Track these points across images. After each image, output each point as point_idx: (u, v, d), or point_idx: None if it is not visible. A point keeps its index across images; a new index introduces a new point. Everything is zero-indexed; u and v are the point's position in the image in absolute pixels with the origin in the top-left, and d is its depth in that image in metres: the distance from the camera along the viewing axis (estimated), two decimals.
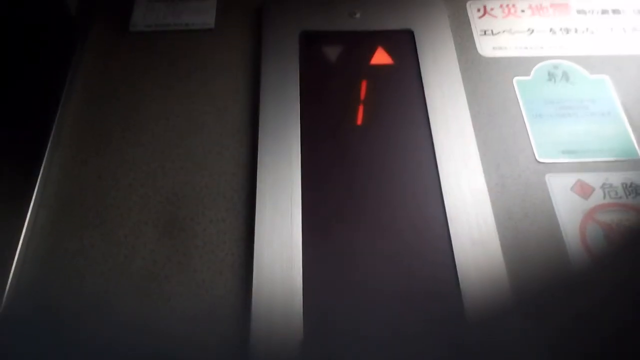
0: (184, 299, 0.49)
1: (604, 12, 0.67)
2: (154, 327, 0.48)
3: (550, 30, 0.65)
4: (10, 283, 0.49)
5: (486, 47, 0.64)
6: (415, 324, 0.47)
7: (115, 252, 0.51)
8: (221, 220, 0.52)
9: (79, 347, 0.48)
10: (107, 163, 0.56)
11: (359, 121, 0.58)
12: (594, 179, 0.54)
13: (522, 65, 0.62)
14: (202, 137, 0.57)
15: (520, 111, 0.59)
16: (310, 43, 0.63)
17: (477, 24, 0.66)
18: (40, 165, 0.55)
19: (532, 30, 0.65)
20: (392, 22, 0.65)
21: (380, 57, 0.62)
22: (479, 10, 0.67)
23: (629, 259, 0.50)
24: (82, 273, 0.50)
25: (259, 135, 0.56)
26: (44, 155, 0.55)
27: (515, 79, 0.61)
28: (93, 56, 0.63)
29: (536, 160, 0.55)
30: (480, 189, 0.54)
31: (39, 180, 0.54)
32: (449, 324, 0.48)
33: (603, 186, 0.54)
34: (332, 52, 0.63)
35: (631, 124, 0.58)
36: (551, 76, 0.61)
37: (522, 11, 0.67)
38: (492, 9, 0.67)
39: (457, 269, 0.49)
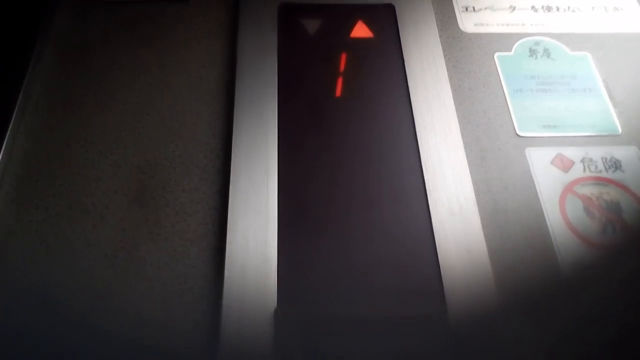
0: (154, 268, 0.47)
1: None
2: (124, 296, 0.46)
3: (532, 7, 0.65)
4: None
5: (468, 23, 0.63)
6: (391, 297, 0.46)
7: (83, 221, 0.49)
8: (194, 189, 0.51)
9: (45, 319, 0.45)
10: (76, 130, 0.54)
11: (338, 93, 0.57)
12: (574, 153, 0.54)
13: (504, 41, 0.62)
14: (176, 105, 0.55)
15: (501, 86, 0.58)
16: (289, 15, 0.62)
17: (459, 0, 0.65)
18: (6, 132, 0.52)
19: (514, 8, 0.64)
20: None
21: (361, 31, 0.61)
22: None
23: (609, 233, 0.50)
24: (48, 242, 0.48)
25: (235, 105, 0.55)
26: (10, 122, 0.53)
27: (496, 55, 0.60)
28: (65, 24, 0.61)
29: (516, 134, 0.55)
30: (460, 161, 0.53)
31: (3, 147, 0.52)
32: (426, 296, 0.46)
33: (583, 160, 0.53)
34: (312, 25, 0.61)
35: (612, 101, 0.57)
36: (532, 52, 0.61)
37: None
38: None
39: (436, 241, 0.48)
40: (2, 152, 0.51)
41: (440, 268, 0.47)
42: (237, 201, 0.49)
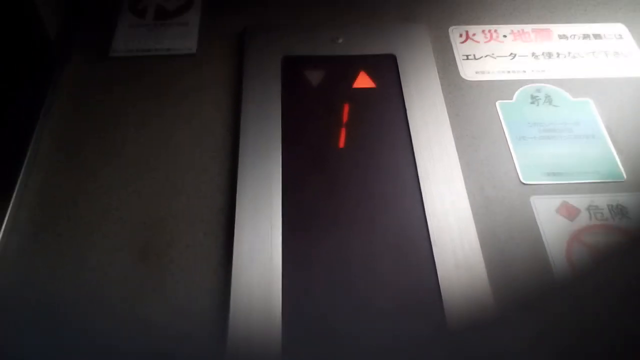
0: (159, 325, 0.47)
1: (586, 36, 0.67)
2: (128, 355, 0.46)
3: (533, 54, 0.65)
4: None
5: (469, 71, 0.64)
6: (398, 344, 0.46)
7: (88, 279, 0.49)
8: (199, 244, 0.51)
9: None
10: (82, 187, 0.54)
11: (341, 144, 0.57)
12: (579, 201, 0.53)
13: (505, 88, 0.62)
14: (180, 160, 0.56)
15: (504, 134, 0.58)
16: (293, 67, 0.63)
17: (460, 49, 0.66)
18: (14, 190, 0.53)
19: (515, 55, 0.65)
20: (375, 47, 0.65)
21: (363, 81, 0.62)
22: (461, 35, 0.67)
23: (616, 281, 0.49)
24: (54, 300, 0.48)
25: (239, 158, 0.55)
26: (17, 179, 0.54)
27: (498, 102, 0.61)
28: (72, 80, 0.63)
29: (520, 182, 0.55)
30: (464, 211, 0.53)
31: (11, 203, 0.52)
32: (433, 346, 0.46)
33: (589, 208, 0.53)
34: (315, 76, 0.62)
35: (616, 147, 0.57)
36: (534, 99, 0.61)
37: (504, 36, 0.67)
38: (474, 34, 0.67)
39: (442, 292, 0.48)
40: (10, 208, 0.52)
41: (447, 322, 0.46)
42: (241, 256, 0.49)
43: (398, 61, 0.63)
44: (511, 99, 0.61)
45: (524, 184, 0.54)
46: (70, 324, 0.47)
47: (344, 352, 0.46)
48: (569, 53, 0.65)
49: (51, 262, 0.50)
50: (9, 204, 0.52)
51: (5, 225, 0.51)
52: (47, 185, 0.54)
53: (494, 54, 0.65)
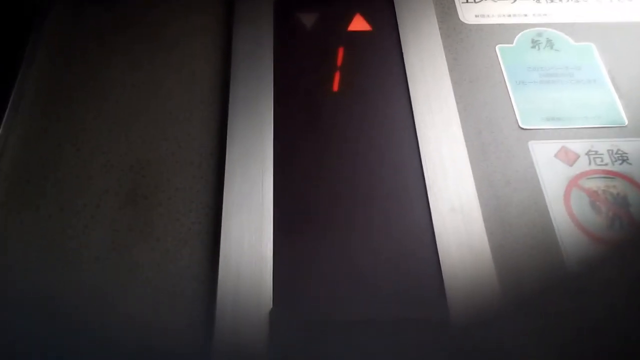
0: (147, 269, 0.46)
1: None
2: (117, 298, 0.45)
3: None
4: None
5: (468, 14, 0.61)
6: (390, 298, 0.45)
7: (74, 222, 0.48)
8: (188, 188, 0.50)
9: (37, 321, 0.44)
10: (68, 130, 0.53)
11: (335, 87, 0.55)
12: (578, 146, 0.52)
13: (505, 32, 0.60)
14: (169, 103, 0.54)
15: (503, 78, 0.57)
16: (286, 8, 0.61)
17: None
18: None
19: None
20: None
21: (358, 24, 0.60)
22: None
23: (617, 228, 0.48)
24: (39, 244, 0.47)
25: (230, 102, 0.53)
26: (1, 123, 0.52)
27: (497, 47, 0.59)
28: (57, 24, 0.60)
29: (519, 127, 0.53)
30: (461, 155, 0.51)
31: None
32: (427, 298, 0.45)
33: (588, 153, 0.51)
34: (308, 19, 0.60)
35: (617, 91, 0.55)
36: (535, 43, 0.59)
37: None
38: None
39: (436, 237, 0.47)
40: None
41: (442, 267, 0.46)
42: (231, 200, 0.48)
43: (395, 4, 0.61)
44: (511, 43, 0.59)
45: (522, 128, 0.53)
46: (55, 269, 0.46)
47: (336, 299, 0.45)
48: None
49: (37, 204, 0.49)
50: None
51: None
52: (31, 130, 0.53)
53: None
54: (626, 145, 0.52)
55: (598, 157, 0.51)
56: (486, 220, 0.48)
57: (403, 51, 0.58)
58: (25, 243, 0.47)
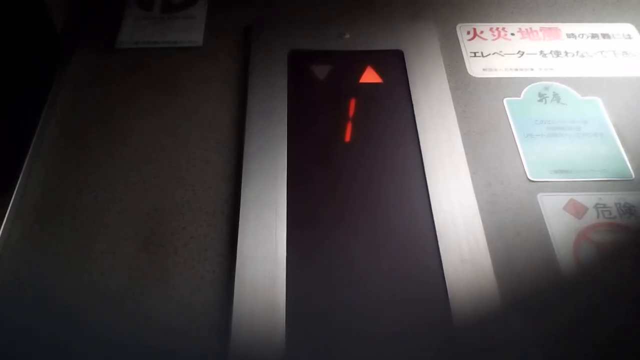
0: (162, 316, 0.46)
1: (594, 36, 0.67)
2: (131, 345, 0.45)
3: (541, 52, 0.65)
4: None
5: (476, 68, 0.63)
6: (404, 339, 0.45)
7: (91, 268, 0.49)
8: (203, 235, 0.50)
9: None
10: (87, 177, 0.54)
11: (347, 138, 0.57)
12: (587, 199, 0.53)
13: (513, 86, 0.62)
14: (186, 152, 0.56)
15: (511, 130, 0.58)
16: (299, 62, 0.63)
17: (467, 46, 0.66)
18: (18, 178, 0.53)
19: (522, 53, 0.65)
20: (382, 43, 0.65)
21: (370, 76, 0.62)
22: (468, 32, 0.67)
23: (622, 279, 0.48)
24: (56, 289, 0.48)
25: (245, 151, 0.55)
26: (21, 168, 0.54)
27: (505, 100, 0.60)
28: (78, 72, 0.63)
29: (528, 179, 0.54)
30: (471, 207, 0.52)
31: (15, 193, 0.52)
32: (440, 345, 0.45)
33: (596, 206, 0.52)
34: (321, 71, 0.62)
35: (624, 145, 0.57)
36: (542, 97, 0.61)
37: (512, 34, 0.67)
38: (481, 32, 0.67)
39: (447, 288, 0.48)
40: (13, 197, 0.52)
41: (453, 318, 0.46)
42: (245, 248, 0.49)
43: (405, 57, 0.63)
44: (519, 97, 0.61)
45: (531, 181, 0.54)
46: (72, 314, 0.47)
47: (348, 347, 0.45)
48: (577, 52, 0.65)
49: (54, 251, 0.49)
50: (12, 193, 0.52)
51: (8, 215, 0.51)
52: (51, 175, 0.54)
53: (501, 51, 0.65)
54: (633, 198, 0.53)
55: (606, 210, 0.52)
56: (496, 271, 0.48)
57: (413, 103, 0.59)
58: (42, 288, 0.48)
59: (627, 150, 0.56)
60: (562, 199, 0.53)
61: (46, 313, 0.47)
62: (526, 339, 0.46)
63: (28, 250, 0.50)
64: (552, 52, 0.65)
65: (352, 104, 0.59)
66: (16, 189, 0.52)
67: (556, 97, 0.61)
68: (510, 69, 0.63)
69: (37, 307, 0.47)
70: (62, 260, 0.49)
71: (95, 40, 0.65)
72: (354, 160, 0.55)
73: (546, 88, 0.61)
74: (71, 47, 0.65)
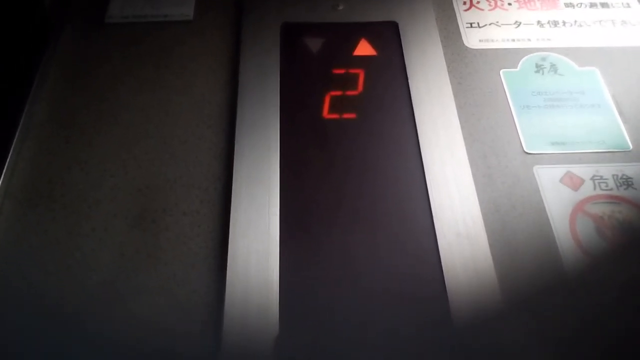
0: (154, 292, 0.46)
1: (593, 5, 0.65)
2: (123, 322, 0.45)
3: (538, 22, 0.64)
4: None
5: (472, 39, 0.62)
6: (397, 319, 0.45)
7: (82, 245, 0.48)
8: (195, 212, 0.50)
9: (42, 344, 0.45)
10: (77, 154, 0.53)
11: (341, 112, 0.56)
12: (583, 171, 0.52)
13: (509, 57, 0.61)
14: (178, 127, 0.55)
15: (508, 102, 0.57)
16: (292, 34, 0.61)
17: (463, 17, 0.64)
18: (7, 156, 0.52)
19: (520, 23, 0.64)
20: (376, 15, 0.64)
21: (364, 49, 0.61)
22: (464, 3, 0.66)
23: (622, 252, 0.48)
24: (47, 267, 0.47)
25: (237, 126, 0.54)
26: (11, 145, 0.53)
27: (502, 71, 0.59)
28: (67, 47, 0.61)
29: (524, 151, 0.54)
30: (466, 180, 0.52)
31: (4, 171, 0.51)
32: (433, 318, 0.45)
33: (593, 178, 0.52)
34: (314, 44, 0.61)
35: (622, 116, 0.56)
36: (539, 68, 0.60)
37: (509, 4, 0.66)
38: (478, 2, 0.66)
39: (442, 262, 0.47)
40: (2, 176, 0.51)
41: (447, 292, 0.46)
42: (238, 224, 0.49)
43: (400, 29, 0.62)
44: (515, 68, 0.60)
45: (527, 153, 0.53)
46: (63, 291, 0.46)
47: (342, 319, 0.45)
48: (576, 21, 0.64)
49: (45, 228, 0.49)
50: (2, 172, 0.51)
51: None
52: (41, 152, 0.53)
53: (498, 22, 0.64)
54: (631, 169, 0.52)
55: (603, 182, 0.51)
56: (492, 245, 0.48)
57: (408, 75, 0.58)
58: (34, 265, 0.47)
59: (625, 122, 0.55)
60: (559, 171, 0.52)
61: (37, 290, 0.46)
62: (520, 314, 0.45)
63: (18, 228, 0.49)
64: (550, 22, 0.64)
65: (346, 77, 0.58)
66: (5, 166, 0.52)
67: (553, 68, 0.59)
68: (507, 40, 0.62)
69: (27, 284, 0.46)
70: (54, 238, 0.48)
71: (84, 14, 0.64)
72: (348, 134, 0.55)
73: (543, 59, 0.60)
74: (59, 22, 0.63)
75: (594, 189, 0.51)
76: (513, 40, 0.62)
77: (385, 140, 0.54)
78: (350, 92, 0.57)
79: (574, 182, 0.51)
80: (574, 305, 0.46)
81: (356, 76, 0.59)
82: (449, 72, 0.59)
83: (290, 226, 0.49)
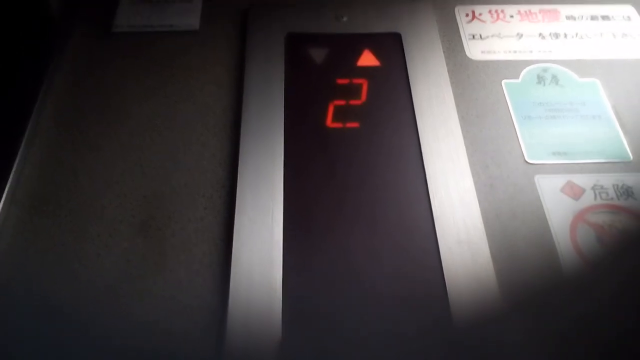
0: (159, 299, 0.46)
1: (594, 18, 0.66)
2: (128, 327, 0.46)
3: (540, 35, 0.64)
4: None
5: (475, 50, 0.63)
6: (400, 326, 0.45)
7: (88, 252, 0.49)
8: (199, 219, 0.50)
9: (47, 349, 0.45)
10: (83, 161, 0.54)
11: (344, 122, 0.57)
12: (584, 180, 0.53)
13: (511, 68, 0.62)
14: (183, 135, 0.56)
15: (509, 113, 0.58)
16: (296, 45, 0.62)
17: (466, 28, 0.65)
18: (14, 162, 0.53)
19: (521, 35, 0.64)
20: (380, 26, 0.65)
21: (367, 59, 0.61)
22: (467, 15, 0.66)
23: (621, 261, 0.48)
24: (52, 272, 0.48)
25: (241, 134, 0.55)
26: (17, 153, 0.53)
27: (503, 82, 0.60)
28: (74, 56, 0.62)
29: (525, 161, 0.54)
30: (468, 189, 0.52)
31: (10, 177, 0.52)
32: (435, 324, 0.45)
33: (594, 187, 0.52)
34: (318, 54, 0.62)
35: (622, 127, 0.56)
36: (540, 79, 0.60)
37: (511, 16, 0.66)
38: (480, 14, 0.66)
39: (444, 269, 0.48)
40: (9, 181, 0.52)
41: (449, 298, 0.46)
42: (242, 231, 0.49)
43: (403, 40, 0.63)
44: (517, 79, 0.60)
45: (528, 163, 0.54)
46: (69, 296, 0.47)
47: (345, 321, 0.46)
48: (577, 34, 0.64)
49: (50, 235, 0.49)
50: (8, 178, 0.52)
51: (5, 199, 0.51)
52: (48, 158, 0.54)
53: (500, 34, 0.64)
54: (631, 179, 0.53)
55: (603, 192, 0.52)
56: (493, 253, 0.48)
57: (411, 86, 0.59)
58: (39, 271, 0.48)
59: (625, 132, 0.56)
60: (560, 180, 0.53)
61: (43, 295, 0.47)
62: (523, 322, 0.46)
63: (24, 234, 0.50)
64: (551, 34, 0.64)
65: (350, 87, 0.59)
66: (12, 172, 0.52)
67: (555, 79, 0.60)
68: (509, 52, 0.63)
69: (33, 289, 0.47)
70: (60, 244, 0.49)
71: (92, 24, 0.65)
72: (351, 142, 0.55)
73: (545, 70, 0.61)
74: (67, 31, 0.64)
75: (595, 198, 0.52)
76: (515, 51, 0.63)
77: (388, 149, 0.55)
78: (353, 102, 0.58)
79: (575, 192, 0.52)
80: (574, 313, 0.46)
81: (360, 86, 0.59)
82: (452, 82, 0.59)
83: (293, 233, 0.49)
